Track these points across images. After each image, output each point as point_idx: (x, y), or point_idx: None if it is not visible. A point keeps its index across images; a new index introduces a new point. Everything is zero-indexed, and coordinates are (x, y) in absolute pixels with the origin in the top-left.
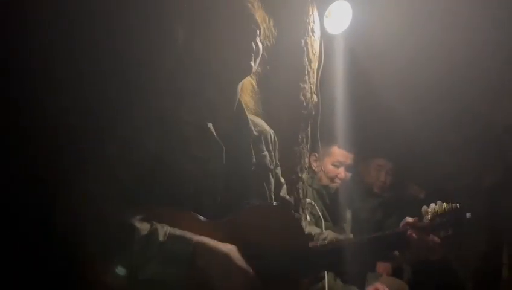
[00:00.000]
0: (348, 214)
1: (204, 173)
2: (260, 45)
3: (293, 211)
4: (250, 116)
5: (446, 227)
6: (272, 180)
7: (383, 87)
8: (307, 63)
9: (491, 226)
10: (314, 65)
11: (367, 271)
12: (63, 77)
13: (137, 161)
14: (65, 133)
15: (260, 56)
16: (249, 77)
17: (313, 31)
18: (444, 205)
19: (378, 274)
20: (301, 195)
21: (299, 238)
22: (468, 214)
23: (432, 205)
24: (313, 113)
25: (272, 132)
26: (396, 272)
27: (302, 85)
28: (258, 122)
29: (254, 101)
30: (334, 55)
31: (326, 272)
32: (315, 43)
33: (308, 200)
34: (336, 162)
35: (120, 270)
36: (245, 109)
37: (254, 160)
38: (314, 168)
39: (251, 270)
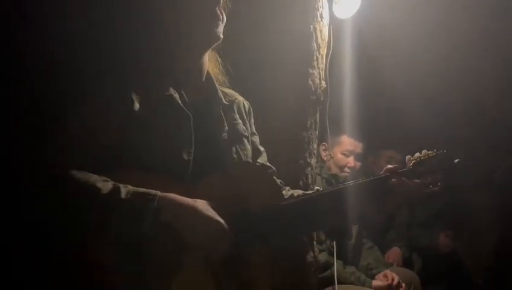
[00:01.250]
0: None
1: (173, 143)
2: (224, 14)
3: (271, 173)
4: (221, 88)
5: (432, 172)
6: (248, 146)
7: (393, 75)
8: (316, 48)
9: (503, 222)
10: (323, 51)
11: (353, 223)
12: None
13: (105, 128)
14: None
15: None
16: (213, 50)
17: (321, 16)
18: (429, 152)
19: (388, 264)
20: (310, 181)
21: (277, 197)
22: (456, 160)
23: (417, 153)
24: (322, 99)
25: (246, 102)
26: (406, 263)
27: (310, 70)
28: (229, 93)
29: (221, 73)
30: (343, 41)
31: (334, 257)
32: (324, 29)
33: (317, 187)
34: (345, 151)
35: (85, 232)
36: (214, 80)
37: (226, 127)
38: (323, 157)
39: (223, 221)
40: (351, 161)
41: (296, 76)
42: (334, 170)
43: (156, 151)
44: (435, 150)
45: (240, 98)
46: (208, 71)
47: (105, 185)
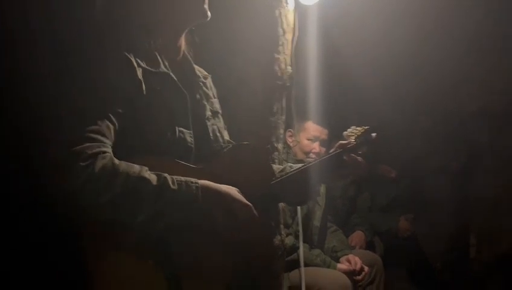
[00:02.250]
0: (322, 189)
1: (176, 125)
2: None
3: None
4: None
5: (362, 146)
6: (223, 124)
7: (356, 62)
8: (281, 33)
9: (459, 208)
10: (289, 36)
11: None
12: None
13: (110, 112)
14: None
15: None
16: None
17: (286, 2)
18: (359, 128)
19: (351, 247)
20: (277, 165)
21: (268, 174)
22: (373, 134)
23: (349, 129)
24: (288, 84)
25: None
26: (369, 247)
27: (276, 56)
28: (201, 70)
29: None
30: (308, 27)
31: (300, 240)
32: (289, 14)
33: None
34: (310, 136)
35: (136, 225)
36: (189, 58)
37: (207, 106)
38: (289, 143)
39: (251, 205)
40: (316, 146)
41: (262, 61)
42: (300, 156)
43: (162, 134)
44: (363, 127)
45: (207, 74)
46: (183, 50)
47: (151, 175)
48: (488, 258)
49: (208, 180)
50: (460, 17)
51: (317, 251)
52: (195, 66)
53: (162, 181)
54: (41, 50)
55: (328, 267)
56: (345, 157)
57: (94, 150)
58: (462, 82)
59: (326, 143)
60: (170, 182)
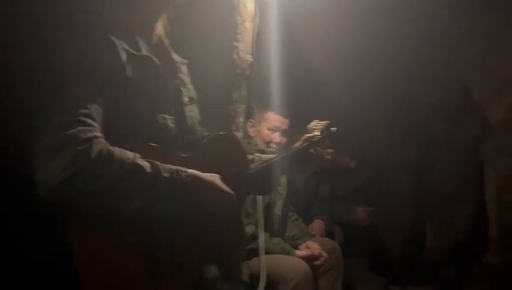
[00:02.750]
0: (283, 179)
1: (159, 110)
2: None
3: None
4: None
5: (325, 140)
6: (197, 109)
7: (317, 54)
8: (240, 21)
9: (416, 199)
10: (248, 24)
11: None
12: None
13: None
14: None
15: None
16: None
17: None
18: (322, 122)
19: (311, 236)
20: None
21: (245, 165)
22: (333, 129)
23: (312, 123)
24: (247, 73)
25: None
26: (328, 236)
27: (235, 44)
28: (176, 55)
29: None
30: (269, 17)
31: (261, 229)
32: (248, 3)
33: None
34: (271, 127)
35: (127, 213)
36: (164, 43)
37: (185, 92)
38: (250, 133)
39: (234, 194)
40: (277, 136)
41: (221, 49)
42: (261, 146)
43: (145, 120)
44: (324, 121)
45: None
46: (159, 35)
47: (144, 163)
48: (444, 247)
49: (194, 169)
50: (417, 13)
51: (277, 239)
52: (172, 52)
53: (156, 169)
54: (25, 34)
55: (288, 254)
56: (311, 151)
57: (88, 135)
58: (419, 77)
59: (288, 133)
60: (162, 170)
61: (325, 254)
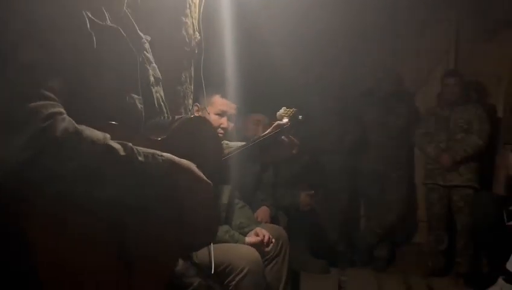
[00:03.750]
0: None
1: (125, 87)
2: None
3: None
4: None
5: (294, 127)
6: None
7: (269, 35)
8: None
9: (350, 182)
10: None
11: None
12: None
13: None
14: None
15: None
16: None
17: None
18: (290, 109)
19: (258, 222)
20: None
21: (218, 147)
22: (300, 116)
23: (281, 110)
24: (196, 52)
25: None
26: (273, 221)
27: (184, 19)
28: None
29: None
30: None
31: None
32: None
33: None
34: (218, 111)
35: (100, 200)
36: (129, 15)
37: (150, 71)
38: None
39: (210, 182)
40: (224, 121)
41: (170, 25)
42: None
43: (112, 98)
44: (292, 108)
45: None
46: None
47: (116, 144)
48: (377, 228)
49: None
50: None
51: (225, 227)
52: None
53: (129, 151)
54: None
55: (237, 242)
56: (283, 138)
57: (50, 110)
58: (357, 65)
59: (235, 118)
60: (137, 153)
61: (273, 240)
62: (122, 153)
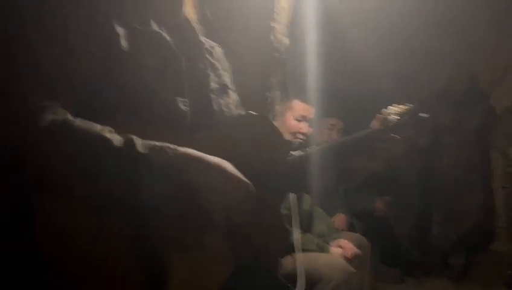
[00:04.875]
0: None
1: (166, 89)
2: None
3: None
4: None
5: (406, 127)
6: (234, 99)
7: (355, 36)
8: (277, 0)
9: (424, 187)
10: (285, 4)
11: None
12: None
13: (83, 73)
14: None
15: None
16: None
17: None
18: (402, 106)
19: (337, 230)
20: None
21: (280, 147)
22: (423, 114)
23: (390, 107)
24: (284, 57)
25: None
26: (350, 228)
27: (272, 24)
28: (207, 40)
29: (198, 22)
30: None
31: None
32: None
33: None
34: (298, 116)
35: (93, 192)
36: (192, 24)
37: (212, 77)
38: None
39: (245, 181)
40: (304, 126)
41: (258, 30)
42: (287, 137)
43: (148, 98)
44: (405, 104)
45: (216, 44)
46: (185, 16)
47: (114, 136)
48: (452, 234)
49: (200, 151)
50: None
51: (309, 236)
52: (201, 35)
53: (128, 143)
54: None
55: (322, 251)
56: (385, 137)
57: (44, 104)
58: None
59: (314, 123)
60: (139, 146)
61: (358, 251)
62: (117, 144)
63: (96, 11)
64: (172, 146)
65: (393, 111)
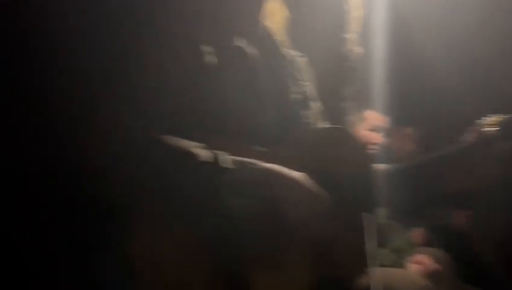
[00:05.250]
0: None
1: (247, 102)
2: None
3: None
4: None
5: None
6: (317, 108)
7: (428, 44)
8: (348, 9)
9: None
10: (358, 12)
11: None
12: None
13: (171, 89)
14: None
15: None
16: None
17: None
18: (496, 117)
19: (415, 245)
20: None
21: (363, 161)
22: None
23: (487, 118)
24: (357, 67)
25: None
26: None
27: (345, 35)
28: (290, 50)
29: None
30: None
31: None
32: None
33: None
34: (371, 126)
35: (180, 207)
36: (273, 34)
37: (294, 88)
38: None
39: (326, 196)
40: (378, 137)
41: (331, 41)
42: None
43: (230, 112)
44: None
45: (302, 58)
46: (265, 26)
47: (201, 151)
48: None
49: (278, 164)
50: None
51: (385, 251)
52: (283, 46)
53: (213, 158)
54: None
55: (399, 267)
56: (484, 152)
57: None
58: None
59: (387, 133)
60: (225, 161)
61: (437, 267)
62: (204, 159)
63: (186, 32)
64: (257, 161)
65: (490, 122)
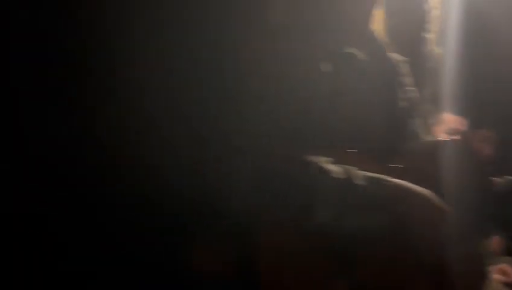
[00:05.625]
0: None
1: (360, 112)
2: None
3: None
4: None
5: None
6: (422, 117)
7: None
8: (428, 8)
9: None
10: (436, 11)
11: None
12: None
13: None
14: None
15: None
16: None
17: None
18: None
19: (493, 254)
20: None
21: (483, 174)
22: None
23: None
24: (436, 67)
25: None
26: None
27: (424, 34)
28: (394, 55)
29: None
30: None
31: None
32: None
33: None
34: (449, 129)
35: (313, 225)
36: (378, 38)
37: (401, 95)
38: None
39: (451, 212)
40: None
41: (410, 42)
42: None
43: (345, 123)
44: None
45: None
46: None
47: (333, 167)
48: None
49: (398, 179)
50: None
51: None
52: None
53: (348, 174)
54: None
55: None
56: None
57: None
58: None
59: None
60: (357, 177)
61: None
62: (339, 175)
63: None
64: (387, 177)
65: None
